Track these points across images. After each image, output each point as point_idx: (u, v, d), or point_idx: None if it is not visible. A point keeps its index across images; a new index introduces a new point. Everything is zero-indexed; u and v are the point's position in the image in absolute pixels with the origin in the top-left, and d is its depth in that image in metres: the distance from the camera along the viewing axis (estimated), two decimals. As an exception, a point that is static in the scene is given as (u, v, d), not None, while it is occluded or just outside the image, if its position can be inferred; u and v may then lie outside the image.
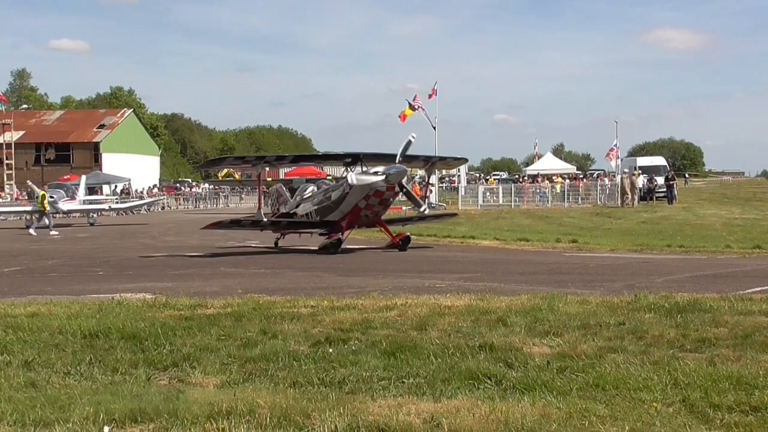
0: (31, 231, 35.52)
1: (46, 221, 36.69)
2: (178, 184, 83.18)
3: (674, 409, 6.03)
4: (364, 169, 24.12)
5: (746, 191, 65.29)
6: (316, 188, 26.92)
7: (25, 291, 14.24)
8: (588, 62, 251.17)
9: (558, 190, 54.60)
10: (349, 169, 24.68)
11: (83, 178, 49.66)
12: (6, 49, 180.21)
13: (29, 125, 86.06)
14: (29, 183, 44.04)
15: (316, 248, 23.61)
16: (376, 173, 23.46)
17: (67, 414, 6.01)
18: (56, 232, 35.23)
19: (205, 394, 6.58)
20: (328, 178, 64.96)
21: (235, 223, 25.88)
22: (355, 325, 9.38)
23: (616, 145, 57.88)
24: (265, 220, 24.59)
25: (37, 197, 38.85)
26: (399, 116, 54.07)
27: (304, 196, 26.20)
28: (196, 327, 9.39)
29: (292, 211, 26.43)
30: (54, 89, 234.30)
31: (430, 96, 53.93)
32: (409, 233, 25.03)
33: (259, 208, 25.71)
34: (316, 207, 25.03)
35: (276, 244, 26.12)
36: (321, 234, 25.07)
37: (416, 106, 53.05)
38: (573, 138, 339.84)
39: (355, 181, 23.13)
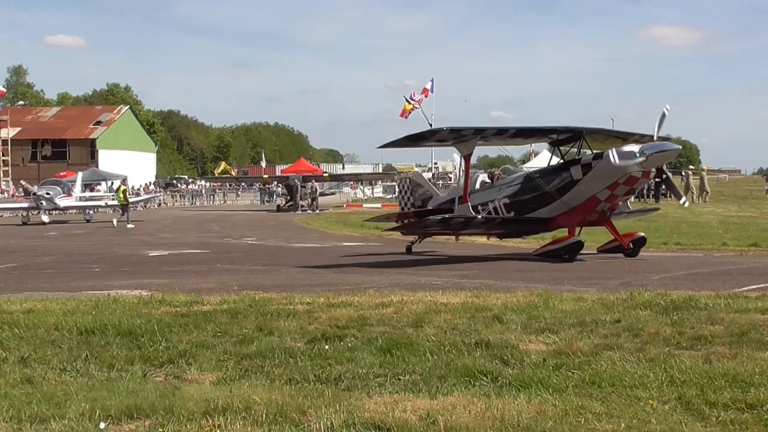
0: (114, 222, 36.77)
1: (127, 215, 37.53)
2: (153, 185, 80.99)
3: (670, 407, 6.04)
4: (621, 148, 18.61)
5: (743, 189, 65.31)
6: (486, 177, 22.16)
7: (21, 287, 14.21)
8: (585, 59, 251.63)
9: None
10: (571, 149, 19.61)
11: (80, 174, 49.55)
12: (2, 45, 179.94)
13: (25, 122, 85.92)
14: (22, 183, 44.10)
15: (535, 254, 19.14)
16: (631, 153, 18.21)
17: (63, 410, 6.01)
18: (132, 225, 35.94)
19: (201, 391, 6.58)
20: (325, 175, 64.99)
21: (435, 223, 19.97)
22: (351, 322, 9.39)
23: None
24: (479, 217, 19.28)
25: (117, 191, 40.57)
26: (400, 113, 54.08)
27: (476, 188, 20.91)
28: (192, 324, 9.38)
29: (433, 207, 21.91)
30: (50, 86, 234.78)
31: (423, 93, 53.88)
32: (643, 233, 19.87)
33: (466, 200, 19.68)
34: (508, 200, 19.80)
35: (409, 249, 21.60)
36: (498, 235, 20.90)
37: (414, 104, 53.09)
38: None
39: (617, 161, 18.09)
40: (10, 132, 77.24)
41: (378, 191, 72.09)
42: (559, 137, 19.76)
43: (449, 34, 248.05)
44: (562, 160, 19.72)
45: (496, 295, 11.27)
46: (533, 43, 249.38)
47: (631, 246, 19.06)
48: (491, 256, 19.85)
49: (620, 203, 19.56)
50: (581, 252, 18.82)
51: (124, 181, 55.07)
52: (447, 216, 19.55)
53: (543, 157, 75.39)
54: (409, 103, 53.16)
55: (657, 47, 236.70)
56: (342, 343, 8.32)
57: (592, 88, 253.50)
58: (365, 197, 66.84)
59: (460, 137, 19.35)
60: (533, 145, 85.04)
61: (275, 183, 60.08)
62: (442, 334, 8.70)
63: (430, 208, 22.20)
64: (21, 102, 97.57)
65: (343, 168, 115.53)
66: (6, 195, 61.97)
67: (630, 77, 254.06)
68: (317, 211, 47.46)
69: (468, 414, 5.84)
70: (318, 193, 51.11)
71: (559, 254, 18.32)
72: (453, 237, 23.22)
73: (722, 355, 7.56)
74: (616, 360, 7.39)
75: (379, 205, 53.25)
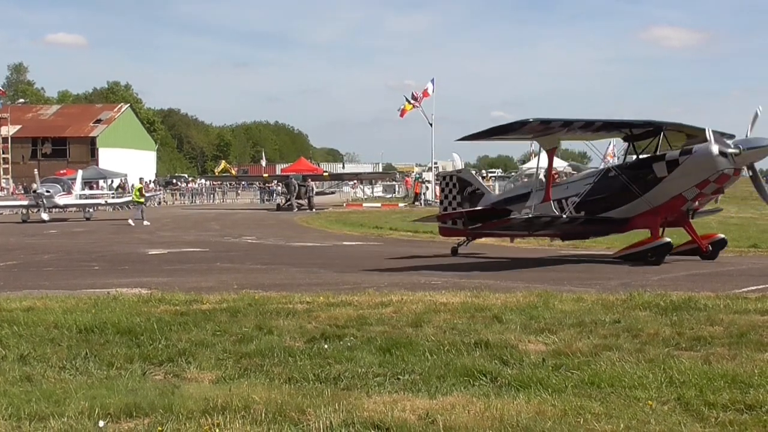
0: (130, 221, 36.63)
1: (141, 213, 37.68)
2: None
3: (669, 407, 6.04)
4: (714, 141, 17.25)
5: (742, 190, 65.21)
6: (542, 177, 19.88)
7: (21, 285, 14.22)
8: (585, 59, 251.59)
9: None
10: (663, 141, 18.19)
11: (79, 172, 49.54)
12: (3, 43, 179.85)
13: (26, 119, 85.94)
14: (35, 172, 44.09)
15: (615, 256, 18.26)
16: (724, 149, 17.07)
17: (62, 408, 6.01)
18: (148, 223, 36.15)
19: (201, 390, 6.58)
20: (325, 174, 64.99)
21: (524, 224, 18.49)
22: (351, 322, 9.39)
23: (612, 144, 57.84)
24: (564, 216, 18.15)
25: (132, 189, 41.09)
26: (399, 112, 54.01)
27: (537, 188, 19.52)
28: (192, 322, 9.39)
29: (484, 207, 20.76)
30: (51, 83, 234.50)
31: (424, 93, 53.80)
32: (723, 235, 18.90)
33: (548, 197, 18.52)
34: (578, 198, 18.42)
35: (455, 251, 20.71)
36: (564, 236, 19.80)
37: (414, 103, 53.04)
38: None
39: (712, 156, 16.93)
40: (10, 130, 77.22)
41: (378, 190, 72.11)
42: (633, 132, 18.67)
43: (449, 34, 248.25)
44: (638, 157, 18.64)
45: (496, 295, 11.28)
46: (533, 43, 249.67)
47: (710, 248, 18.10)
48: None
49: (704, 204, 18.67)
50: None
51: (140, 179, 55.40)
52: (534, 215, 18.10)
53: (543, 158, 75.44)
54: (409, 103, 53.09)
55: (657, 48, 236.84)
56: (341, 343, 8.32)
57: (592, 88, 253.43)
58: (365, 196, 66.84)
59: (546, 129, 17.99)
60: (533, 144, 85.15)
61: (275, 182, 60.09)
62: (442, 333, 8.70)
63: (482, 207, 20.85)
64: (21, 100, 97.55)
65: (343, 167, 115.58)
66: (6, 192, 61.95)
67: (630, 78, 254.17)
68: (313, 210, 47.46)
69: (467, 414, 5.84)
70: (314, 192, 51.09)
71: (644, 257, 17.37)
72: (487, 238, 21.64)
73: (721, 356, 7.56)
74: (615, 360, 7.39)
75: (379, 205, 53.28)
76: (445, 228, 21.79)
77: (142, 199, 38.94)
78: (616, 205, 18.11)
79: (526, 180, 21.49)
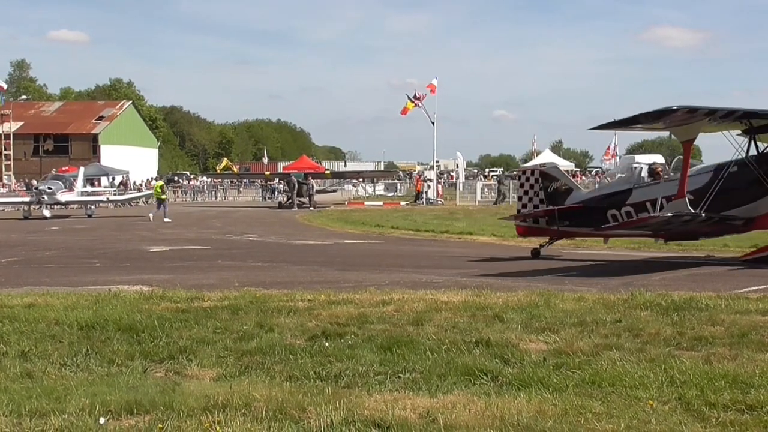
0: (150, 216, 36.84)
1: (163, 209, 37.84)
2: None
3: (670, 407, 6.04)
4: None
5: None
6: (639, 170, 19.01)
7: (22, 282, 14.24)
8: (587, 59, 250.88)
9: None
10: None
11: (81, 169, 49.56)
12: (5, 40, 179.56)
13: (28, 116, 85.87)
14: (54, 171, 44.37)
15: (743, 259, 17.32)
16: None
17: (63, 405, 6.01)
18: (169, 220, 36.34)
19: (201, 387, 6.58)
20: (327, 172, 64.96)
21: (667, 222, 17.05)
22: (352, 320, 9.39)
23: (613, 143, 57.99)
24: (703, 214, 16.73)
25: (154, 186, 41.56)
26: (401, 111, 54.00)
27: (640, 184, 18.45)
28: (193, 319, 9.40)
29: (574, 205, 19.59)
30: (53, 80, 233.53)
31: (431, 91, 53.76)
32: None
33: (682, 194, 16.75)
34: (692, 196, 16.89)
35: (537, 253, 19.67)
36: (672, 236, 18.43)
37: (416, 102, 53.01)
38: (571, 135, 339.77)
39: None
40: (12, 126, 77.19)
41: (380, 189, 72.12)
42: (752, 124, 17.34)
43: (451, 33, 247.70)
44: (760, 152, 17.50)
45: (497, 294, 11.27)
46: (535, 43, 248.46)
47: None
48: (486, 255, 19.75)
49: None
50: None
51: (161, 176, 55.58)
52: (674, 214, 16.57)
53: (545, 157, 75.42)
54: (411, 101, 53.06)
55: (659, 48, 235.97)
56: (342, 341, 8.32)
57: (593, 88, 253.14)
58: (367, 195, 66.85)
59: (690, 118, 16.54)
60: (535, 144, 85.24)
61: (277, 180, 60.07)
62: (443, 332, 8.70)
63: (570, 205, 19.60)
64: (24, 96, 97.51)
65: (345, 165, 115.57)
66: (8, 189, 61.96)
67: (631, 78, 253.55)
68: (313, 208, 47.44)
69: (468, 412, 5.84)
70: (315, 190, 51.07)
71: None
72: (548, 238, 20.19)
73: (722, 356, 7.56)
74: (616, 360, 7.39)
75: (381, 203, 53.27)
76: (524, 227, 20.66)
77: (164, 196, 39.25)
78: (739, 204, 17.07)
79: (623, 176, 20.02)
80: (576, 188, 20.61)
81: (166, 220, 36.26)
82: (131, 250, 22.23)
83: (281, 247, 23.53)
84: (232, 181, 73.05)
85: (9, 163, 72.63)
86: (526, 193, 20.84)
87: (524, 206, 20.68)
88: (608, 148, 59.19)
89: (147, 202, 57.53)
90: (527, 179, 21.00)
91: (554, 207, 19.80)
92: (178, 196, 70.54)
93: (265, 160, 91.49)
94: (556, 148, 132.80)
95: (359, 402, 6.10)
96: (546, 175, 20.58)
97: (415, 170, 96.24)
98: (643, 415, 5.79)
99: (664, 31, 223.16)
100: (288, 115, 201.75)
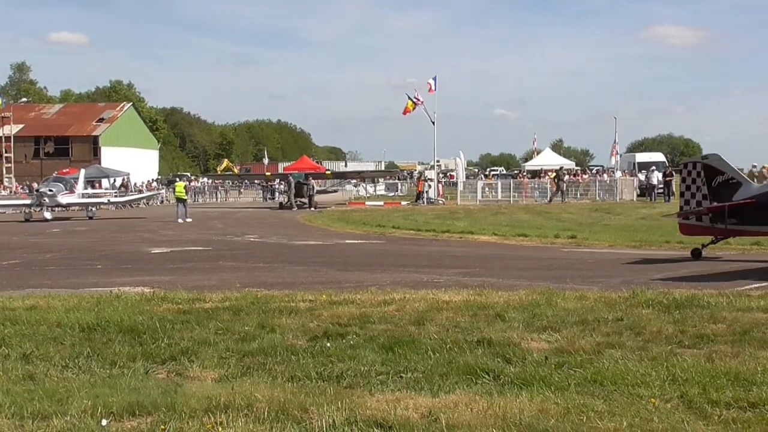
0: (180, 220, 37.32)
1: (184, 209, 38.53)
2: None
3: (672, 405, 6.03)
4: None
5: None
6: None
7: (24, 284, 14.24)
8: (587, 57, 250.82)
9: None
10: None
11: (82, 171, 49.59)
12: (5, 43, 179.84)
13: (28, 118, 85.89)
14: (55, 173, 44.56)
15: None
16: None
17: (65, 407, 6.01)
18: (190, 219, 37.13)
19: (203, 388, 6.58)
20: (327, 172, 64.96)
21: None
22: (353, 320, 9.39)
23: (615, 142, 57.96)
24: None
25: (176, 187, 42.50)
26: (403, 111, 53.93)
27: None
28: (195, 321, 9.40)
29: (746, 200, 17.54)
30: (53, 82, 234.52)
31: (429, 90, 53.72)
32: None
33: None
34: None
35: (698, 253, 18.21)
36: None
37: (417, 101, 52.97)
38: (572, 133, 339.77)
39: None
40: (12, 129, 77.23)
41: (380, 189, 72.07)
42: None
43: (452, 32, 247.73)
44: None
45: (498, 293, 11.27)
46: (536, 42, 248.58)
47: None
48: (487, 254, 19.71)
49: None
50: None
51: (181, 177, 55.99)
52: None
53: (546, 155, 75.35)
54: (412, 101, 53.00)
55: (660, 46, 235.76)
56: (344, 341, 8.32)
57: (594, 86, 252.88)
58: (368, 195, 66.83)
59: None
60: (536, 142, 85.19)
61: (278, 180, 60.06)
62: (444, 332, 8.70)
63: (739, 201, 17.69)
64: (24, 99, 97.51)
65: (346, 165, 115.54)
66: (9, 192, 61.98)
67: (632, 76, 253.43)
68: (313, 208, 47.44)
69: (470, 412, 5.84)
70: (315, 190, 51.04)
71: None
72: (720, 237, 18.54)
73: (724, 354, 7.56)
74: (618, 358, 7.39)
75: (382, 203, 53.24)
76: (686, 225, 19.08)
77: (186, 196, 39.89)
78: None
79: None
80: (746, 182, 18.81)
81: (188, 219, 37.16)
82: (132, 251, 22.23)
83: (282, 248, 23.52)
84: (232, 182, 73.07)
85: (10, 165, 72.66)
86: (688, 188, 19.09)
87: (686, 203, 18.97)
88: (614, 146, 59.19)
89: (148, 203, 57.61)
90: (689, 173, 19.18)
91: (721, 204, 17.96)
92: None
93: (266, 161, 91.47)
94: (557, 147, 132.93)
95: (361, 402, 6.10)
96: (709, 168, 18.63)
97: (415, 170, 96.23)
98: (646, 413, 5.79)
99: (665, 30, 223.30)
100: (288, 116, 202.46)
